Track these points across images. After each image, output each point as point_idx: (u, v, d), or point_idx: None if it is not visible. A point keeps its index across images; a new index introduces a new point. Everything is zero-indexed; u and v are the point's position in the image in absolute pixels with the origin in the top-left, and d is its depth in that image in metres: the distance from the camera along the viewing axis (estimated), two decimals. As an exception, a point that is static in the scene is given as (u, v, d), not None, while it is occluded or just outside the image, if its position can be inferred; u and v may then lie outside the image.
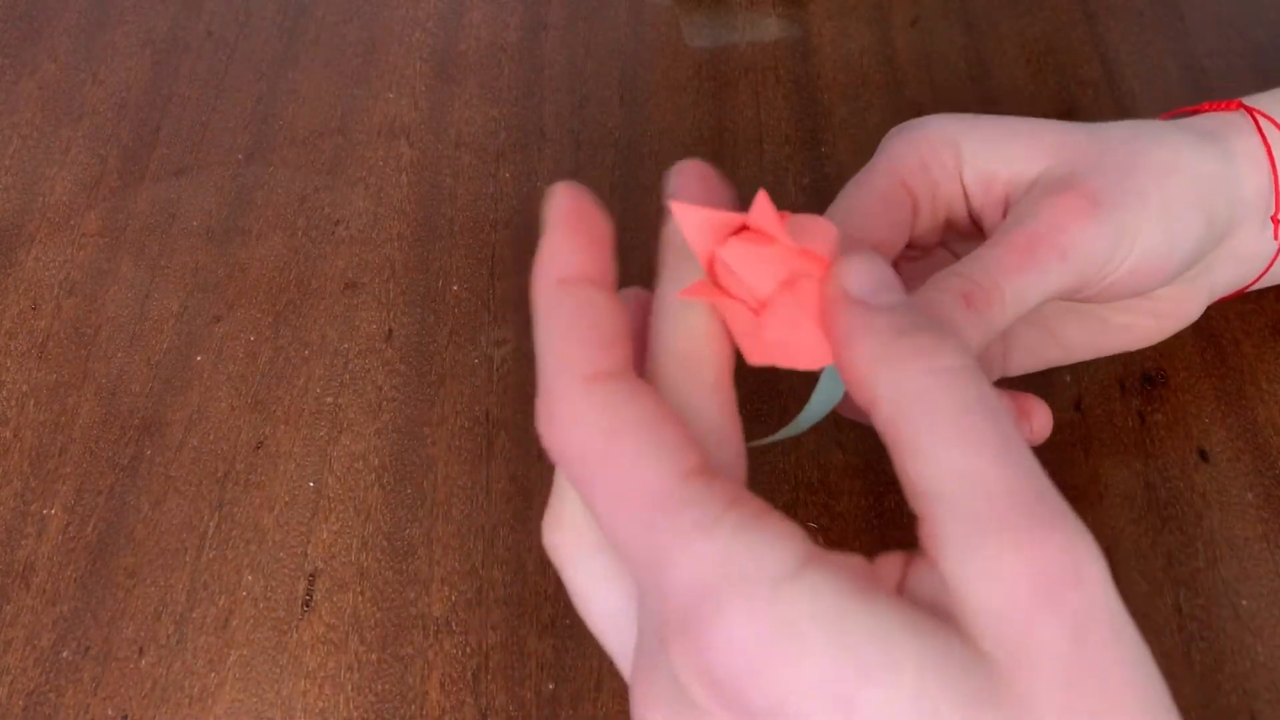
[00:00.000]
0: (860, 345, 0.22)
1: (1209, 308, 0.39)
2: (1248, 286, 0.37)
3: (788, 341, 0.23)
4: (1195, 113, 0.35)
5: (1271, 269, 0.35)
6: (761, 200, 0.23)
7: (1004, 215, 0.32)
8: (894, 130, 0.33)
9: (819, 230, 0.24)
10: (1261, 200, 0.33)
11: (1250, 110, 0.33)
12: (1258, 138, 0.32)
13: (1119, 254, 0.30)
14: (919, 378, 0.21)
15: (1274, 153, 0.32)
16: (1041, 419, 0.32)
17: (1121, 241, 0.30)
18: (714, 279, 0.24)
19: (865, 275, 0.22)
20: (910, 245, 0.33)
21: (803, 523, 0.37)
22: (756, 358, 0.24)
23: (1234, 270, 0.35)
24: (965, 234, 0.33)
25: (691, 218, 0.23)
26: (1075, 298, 0.31)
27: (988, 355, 0.35)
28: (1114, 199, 0.29)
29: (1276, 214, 0.32)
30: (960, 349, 0.21)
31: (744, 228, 0.24)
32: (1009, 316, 0.29)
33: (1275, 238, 0.33)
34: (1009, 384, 0.39)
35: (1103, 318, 0.35)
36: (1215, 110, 0.34)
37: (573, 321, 0.22)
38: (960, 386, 0.21)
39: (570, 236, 0.23)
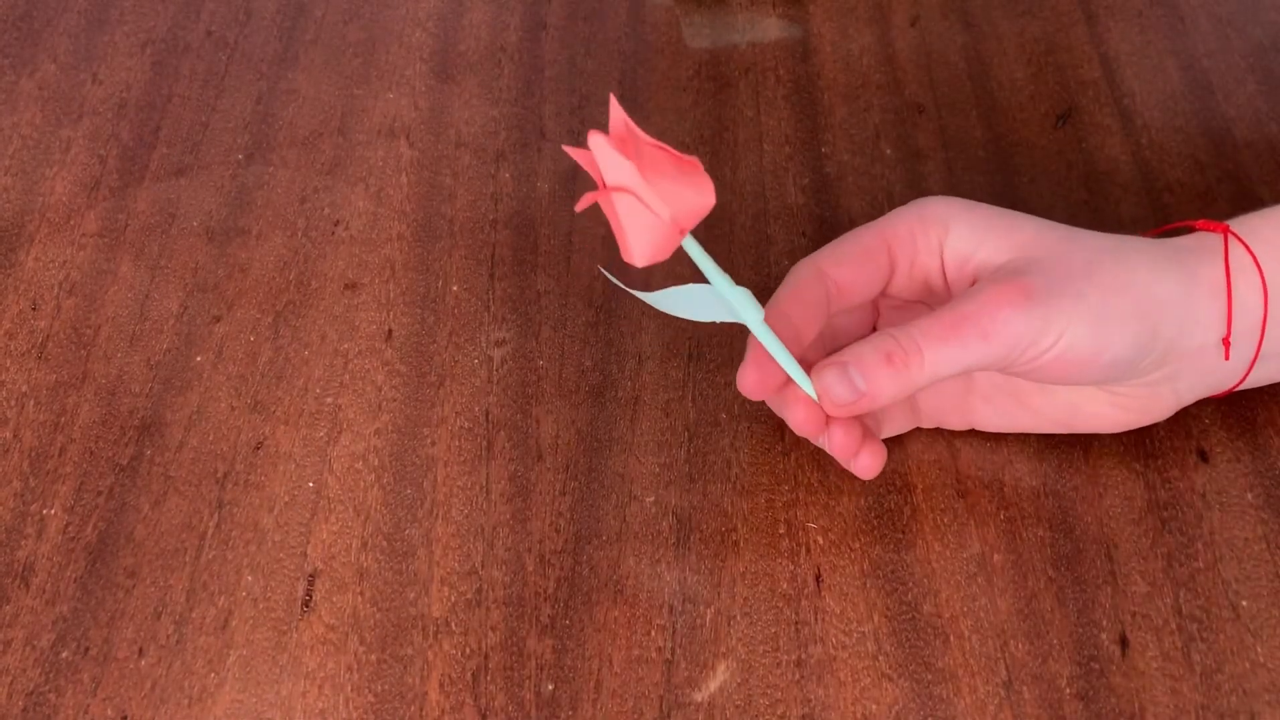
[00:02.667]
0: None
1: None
2: (1228, 392, 0.38)
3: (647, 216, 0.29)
4: (1189, 227, 0.37)
5: (1254, 376, 0.37)
6: (613, 107, 0.28)
7: None
8: (908, 203, 0.37)
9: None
10: (1222, 325, 0.35)
11: (1229, 236, 0.36)
12: (1223, 267, 0.35)
13: (1043, 343, 0.33)
14: None
15: (1240, 277, 0.35)
16: (865, 461, 0.36)
17: (1046, 333, 0.33)
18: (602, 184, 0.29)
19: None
20: (888, 295, 0.38)
21: (802, 523, 0.37)
22: (639, 255, 0.29)
23: (1202, 380, 0.37)
24: (940, 297, 0.37)
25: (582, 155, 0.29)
26: (1006, 371, 0.35)
27: (945, 405, 0.39)
28: (1047, 297, 0.33)
29: (1228, 336, 0.35)
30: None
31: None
32: (926, 377, 0.33)
33: (1225, 358, 0.36)
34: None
35: (1073, 402, 0.37)
36: (1206, 229, 0.36)
37: None
38: None
39: None
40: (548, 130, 0.49)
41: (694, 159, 0.29)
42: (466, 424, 0.40)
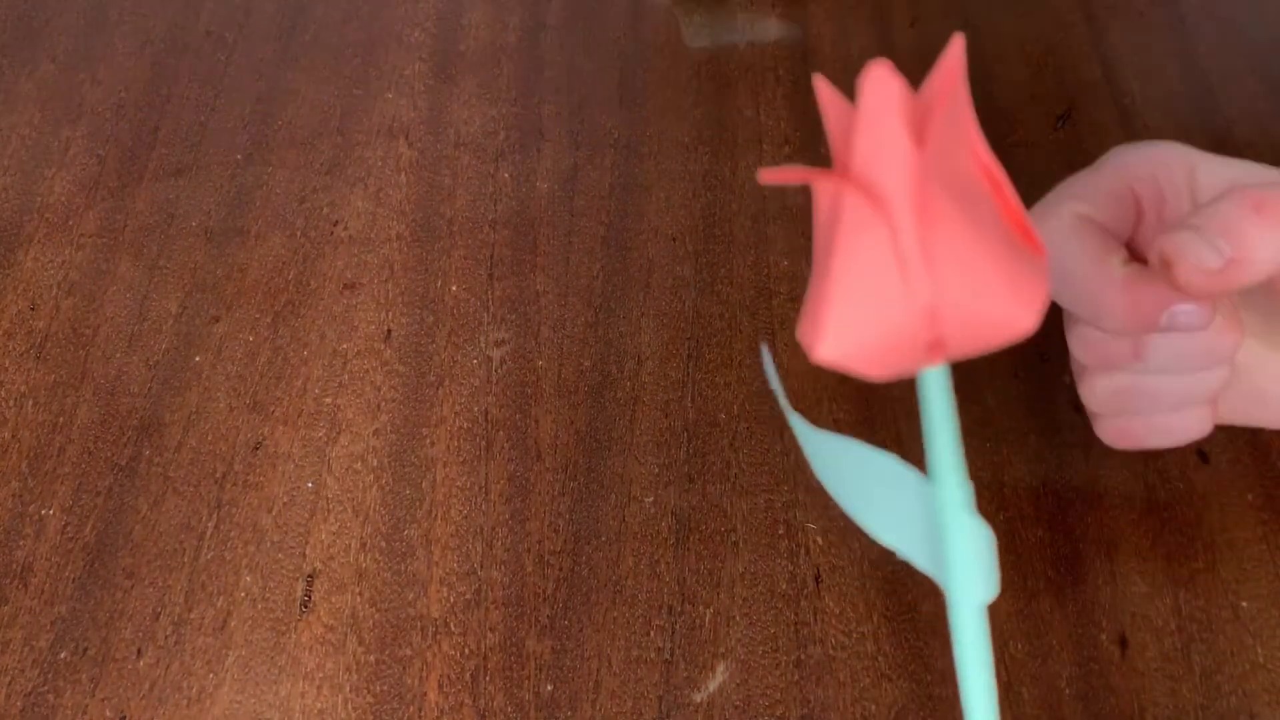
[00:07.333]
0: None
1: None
2: None
3: None
4: None
5: None
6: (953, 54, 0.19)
7: None
8: (1119, 148, 0.33)
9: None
10: None
11: None
12: None
13: None
14: None
15: None
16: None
17: None
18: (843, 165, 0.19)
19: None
20: (1130, 249, 0.32)
21: (801, 524, 0.37)
22: None
23: None
24: None
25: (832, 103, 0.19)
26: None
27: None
28: None
29: None
30: None
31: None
32: None
33: None
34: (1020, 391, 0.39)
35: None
36: None
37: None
38: None
39: None
40: (547, 130, 0.49)
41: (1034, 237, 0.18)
42: (465, 424, 0.40)
